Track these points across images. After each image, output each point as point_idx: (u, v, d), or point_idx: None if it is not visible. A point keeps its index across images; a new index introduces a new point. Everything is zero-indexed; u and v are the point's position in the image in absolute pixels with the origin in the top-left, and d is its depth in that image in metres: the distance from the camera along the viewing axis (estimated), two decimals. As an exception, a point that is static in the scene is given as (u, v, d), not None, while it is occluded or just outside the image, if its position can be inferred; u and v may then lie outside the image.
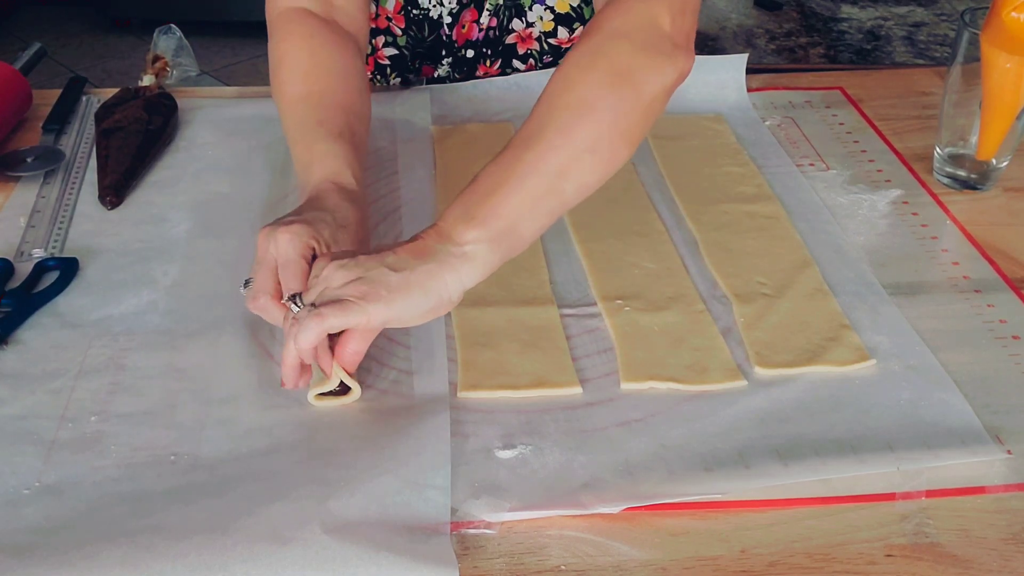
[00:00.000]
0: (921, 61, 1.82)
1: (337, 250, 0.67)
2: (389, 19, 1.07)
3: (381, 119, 1.02)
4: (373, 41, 1.10)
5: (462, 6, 1.04)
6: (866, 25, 1.94)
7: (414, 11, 1.06)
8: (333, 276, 0.62)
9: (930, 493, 0.63)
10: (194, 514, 0.59)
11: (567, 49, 1.07)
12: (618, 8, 0.71)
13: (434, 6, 1.04)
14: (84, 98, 1.06)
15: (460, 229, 0.64)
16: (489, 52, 1.07)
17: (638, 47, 0.69)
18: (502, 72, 1.09)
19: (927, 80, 1.13)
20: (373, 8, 1.07)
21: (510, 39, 1.06)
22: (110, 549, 0.56)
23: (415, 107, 1.04)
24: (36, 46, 1.08)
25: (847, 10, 2.00)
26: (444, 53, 1.08)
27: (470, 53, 1.07)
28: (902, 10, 2.00)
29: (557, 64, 0.96)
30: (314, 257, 0.67)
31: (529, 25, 1.05)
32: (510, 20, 1.05)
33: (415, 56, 1.10)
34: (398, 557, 0.56)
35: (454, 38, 1.07)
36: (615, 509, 0.61)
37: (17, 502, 0.60)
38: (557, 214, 0.68)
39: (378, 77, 1.12)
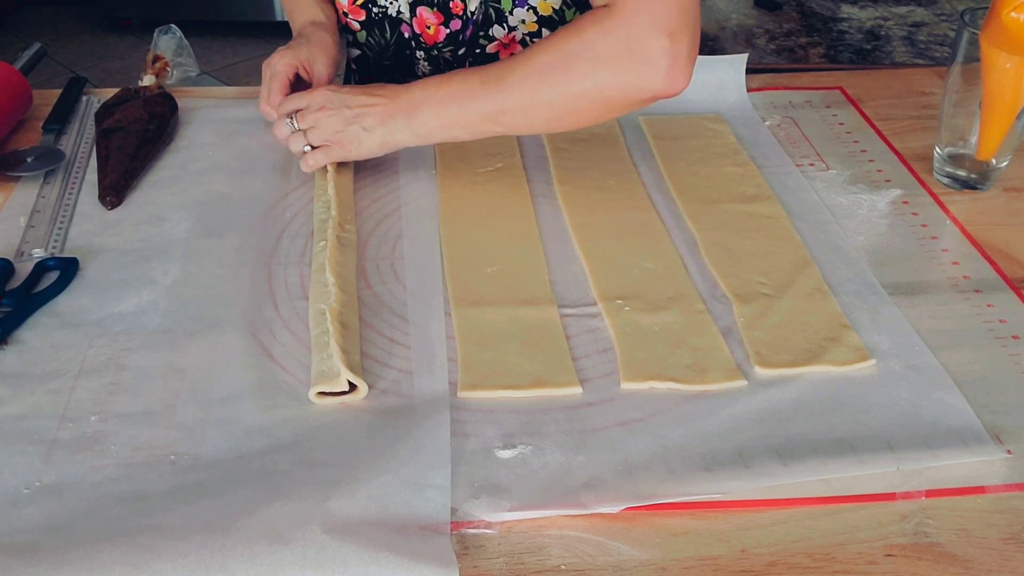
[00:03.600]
0: (921, 61, 1.82)
1: (328, 87, 0.91)
2: (347, 14, 1.07)
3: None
4: None
5: (419, 2, 1.04)
6: (866, 25, 1.94)
7: (374, 9, 1.06)
8: (326, 122, 0.88)
9: (930, 493, 0.63)
10: (194, 514, 0.59)
11: None
12: (601, 17, 0.79)
13: (391, 2, 1.05)
14: (84, 98, 1.06)
15: (413, 115, 0.86)
16: (470, 60, 1.07)
17: (601, 57, 0.79)
18: None
19: (927, 80, 1.13)
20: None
21: (491, 47, 1.06)
22: (110, 549, 0.56)
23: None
24: (36, 46, 1.08)
25: (847, 10, 2.00)
26: (417, 56, 1.08)
27: (448, 54, 1.07)
28: (902, 10, 2.00)
29: None
30: (297, 77, 0.97)
31: (511, 30, 1.05)
32: (489, 27, 1.05)
33: (383, 68, 1.10)
34: (398, 557, 0.56)
35: (423, 41, 1.06)
36: (615, 509, 0.61)
37: (17, 502, 0.60)
38: (491, 134, 0.87)
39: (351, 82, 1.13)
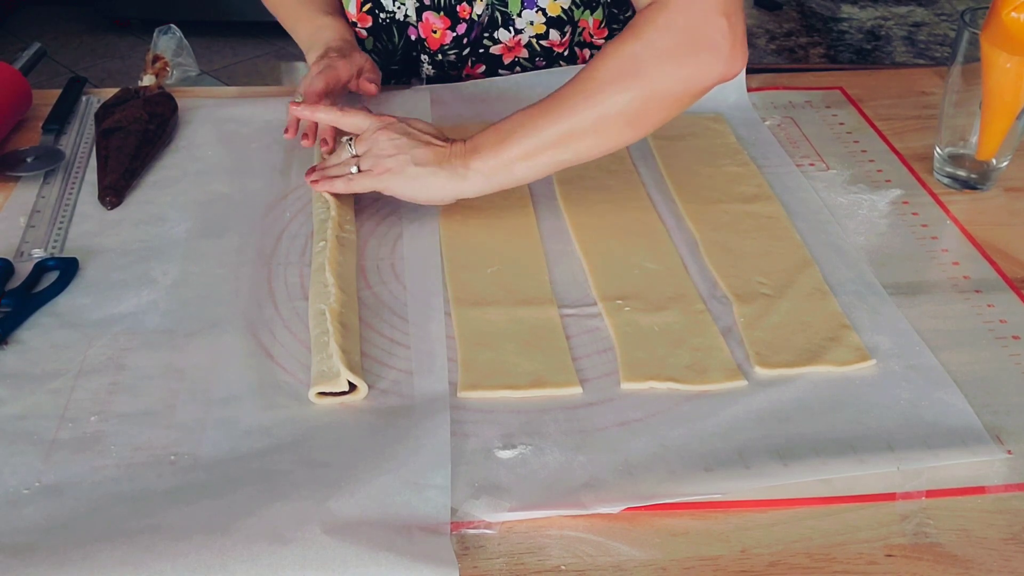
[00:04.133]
0: (921, 61, 1.82)
1: (394, 118, 0.86)
2: (354, 23, 1.07)
3: (381, 119, 1.02)
4: None
5: (424, 7, 1.04)
6: (866, 25, 1.94)
7: (382, 15, 1.06)
8: (380, 143, 0.83)
9: (930, 493, 0.63)
10: (194, 514, 0.59)
11: (559, 53, 1.07)
12: (647, 18, 0.78)
13: (398, 7, 1.05)
14: (84, 98, 1.06)
15: (472, 155, 0.80)
16: (473, 59, 1.07)
17: (665, 52, 0.77)
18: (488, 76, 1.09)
19: (927, 80, 1.13)
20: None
21: (496, 49, 1.06)
22: (110, 549, 0.56)
23: (415, 107, 1.04)
24: (36, 46, 1.08)
25: (847, 10, 2.00)
26: (422, 59, 1.08)
27: (452, 56, 1.07)
28: (902, 10, 2.00)
29: (549, 67, 1.07)
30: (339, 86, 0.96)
31: (518, 32, 1.05)
32: (495, 29, 1.05)
33: (389, 72, 1.10)
34: (398, 557, 0.56)
35: (427, 45, 1.07)
36: (615, 509, 0.61)
37: (17, 502, 0.60)
38: (554, 168, 0.81)
39: None
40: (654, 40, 0.77)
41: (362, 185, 0.83)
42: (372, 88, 0.97)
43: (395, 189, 0.82)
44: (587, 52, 1.08)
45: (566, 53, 1.07)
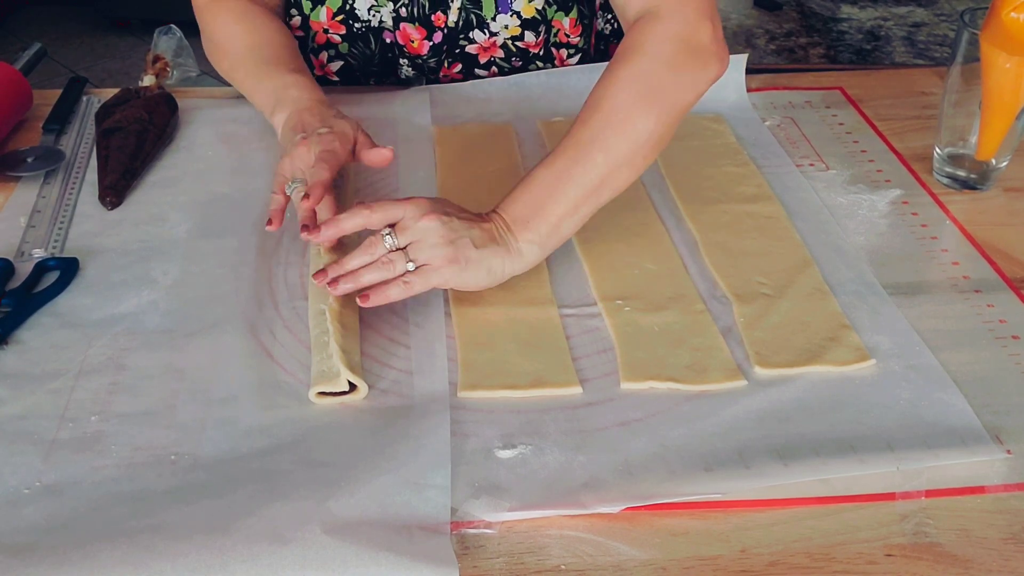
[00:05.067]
0: (921, 61, 1.82)
1: (425, 199, 0.75)
2: (327, 31, 1.06)
3: (381, 119, 1.02)
4: (316, 58, 1.09)
5: (401, 18, 1.03)
6: (866, 25, 1.94)
7: (356, 24, 1.05)
8: (431, 231, 0.72)
9: (930, 493, 0.63)
10: (194, 514, 0.59)
11: (535, 54, 1.07)
12: (646, 30, 0.78)
13: (373, 15, 1.04)
14: (84, 98, 1.06)
15: (519, 228, 0.74)
16: (448, 61, 1.07)
17: (673, 63, 0.77)
18: (465, 77, 1.09)
19: (927, 80, 1.13)
20: (298, 22, 1.07)
21: (471, 49, 1.06)
22: (110, 549, 0.56)
23: (415, 107, 1.04)
24: (36, 46, 1.08)
25: (847, 10, 2.00)
26: (401, 62, 1.08)
27: (432, 62, 1.07)
28: (902, 10, 2.00)
29: (527, 68, 1.07)
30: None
31: (492, 35, 1.05)
32: (469, 31, 1.05)
33: (368, 73, 1.09)
34: (398, 557, 0.56)
35: (408, 51, 1.06)
36: (615, 509, 0.61)
37: (17, 502, 0.60)
38: (592, 213, 0.78)
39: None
40: (659, 53, 0.77)
41: (424, 284, 0.72)
42: (386, 154, 0.83)
43: (459, 281, 0.73)
44: (563, 52, 1.08)
45: (542, 53, 1.07)
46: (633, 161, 0.76)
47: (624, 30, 0.83)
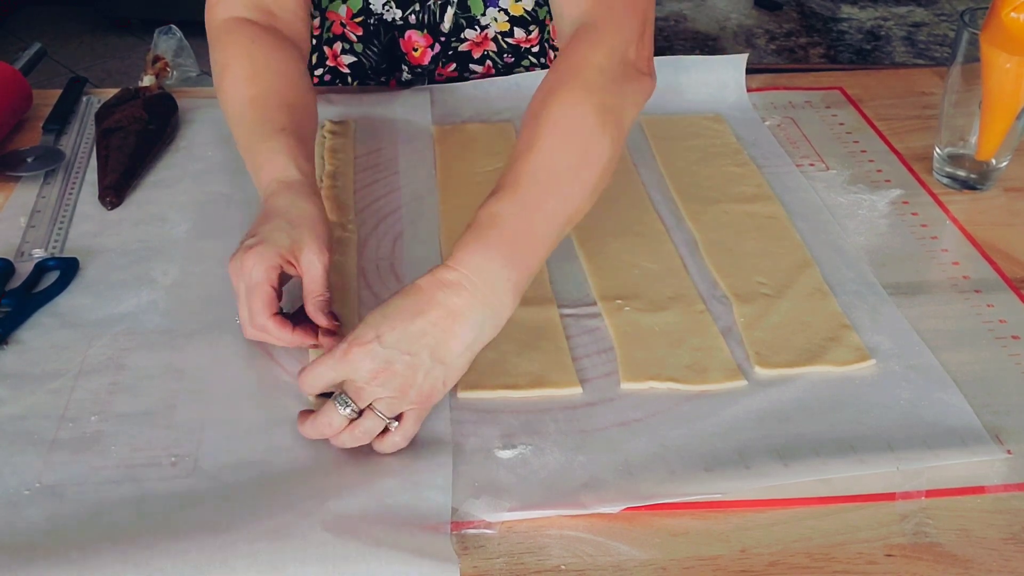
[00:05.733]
0: (921, 61, 1.82)
1: (359, 336, 0.62)
2: (343, 25, 1.07)
3: (381, 119, 1.02)
4: (331, 48, 1.10)
5: (409, 25, 1.03)
6: (866, 25, 1.94)
7: (371, 20, 1.05)
8: (381, 383, 0.61)
9: (930, 493, 0.63)
10: (194, 514, 0.59)
11: (527, 49, 1.07)
12: (589, 43, 0.73)
13: (386, 10, 1.04)
14: (84, 98, 1.06)
15: (493, 288, 0.63)
16: (443, 61, 1.07)
17: (616, 81, 0.71)
18: (460, 75, 1.09)
19: (927, 80, 1.13)
20: (316, 20, 1.07)
21: (464, 47, 1.06)
22: (110, 549, 0.56)
23: (415, 107, 1.04)
24: (36, 46, 1.08)
25: (847, 10, 2.00)
26: (403, 66, 1.08)
27: (430, 66, 1.08)
28: (902, 10, 2.00)
29: (520, 63, 1.05)
30: (282, 276, 0.69)
31: (484, 28, 1.05)
32: (460, 32, 1.05)
33: (377, 71, 1.10)
34: (398, 553, 0.56)
35: (409, 60, 1.07)
36: (615, 509, 0.61)
37: (17, 502, 0.60)
38: (558, 242, 0.68)
39: (337, 82, 1.12)
40: (605, 69, 0.71)
41: (418, 423, 0.63)
42: (316, 276, 0.70)
43: (448, 388, 0.64)
44: (553, 53, 1.09)
45: (535, 49, 1.08)
46: (598, 188, 0.69)
47: (559, 43, 0.78)
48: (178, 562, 0.55)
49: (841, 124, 1.04)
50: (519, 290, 0.64)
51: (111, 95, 1.03)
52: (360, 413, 0.62)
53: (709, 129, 1.02)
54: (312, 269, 0.69)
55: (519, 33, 1.05)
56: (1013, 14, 0.82)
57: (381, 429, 0.62)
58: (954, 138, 0.93)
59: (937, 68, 1.17)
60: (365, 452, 0.64)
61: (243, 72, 0.83)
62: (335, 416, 0.62)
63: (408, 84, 1.09)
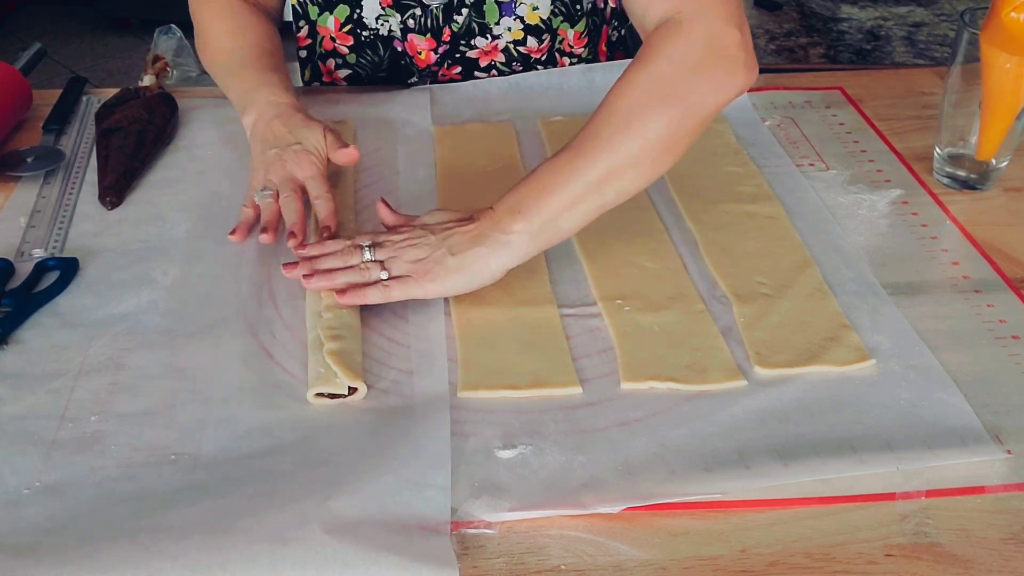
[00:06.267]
0: (921, 61, 1.82)
1: (410, 218, 0.79)
2: (334, 39, 1.06)
3: (381, 119, 1.02)
4: (324, 64, 1.09)
5: (408, 29, 1.03)
6: (866, 25, 1.94)
7: (364, 33, 1.05)
8: (405, 247, 0.74)
9: (930, 493, 0.63)
10: (194, 514, 0.59)
11: (536, 59, 1.07)
12: (664, 34, 0.76)
13: (381, 24, 1.04)
14: (84, 98, 1.06)
15: (508, 219, 0.73)
16: (449, 63, 1.07)
17: (692, 67, 0.74)
18: (464, 79, 1.09)
19: (927, 80, 1.13)
20: (305, 31, 1.07)
21: (472, 54, 1.06)
22: (110, 549, 0.56)
23: (415, 107, 1.04)
24: (36, 46, 1.08)
25: (847, 10, 2.00)
26: (408, 73, 1.08)
27: (434, 69, 1.08)
28: (902, 10, 2.00)
29: (526, 72, 1.06)
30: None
31: (495, 38, 1.05)
32: (472, 38, 1.05)
33: (376, 80, 1.09)
34: (398, 557, 0.56)
35: (415, 62, 1.07)
36: (615, 509, 0.61)
37: (17, 502, 0.60)
38: (596, 213, 0.76)
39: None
40: (678, 58, 0.74)
41: (402, 293, 0.74)
42: (352, 153, 0.87)
43: (439, 289, 0.74)
44: (566, 60, 1.08)
45: (544, 59, 1.07)
46: (640, 162, 0.74)
47: (643, 39, 0.81)
48: (177, 564, 0.55)
49: (841, 124, 1.04)
50: (535, 234, 0.73)
51: (111, 95, 1.03)
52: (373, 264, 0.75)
53: (709, 129, 1.00)
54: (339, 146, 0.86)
55: (531, 42, 1.05)
56: (1013, 14, 0.82)
57: (374, 280, 0.74)
58: (954, 138, 0.93)
59: (937, 68, 1.17)
60: (365, 452, 0.64)
61: (226, 28, 0.97)
62: (356, 255, 0.75)
63: (410, 85, 1.09)
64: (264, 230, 0.81)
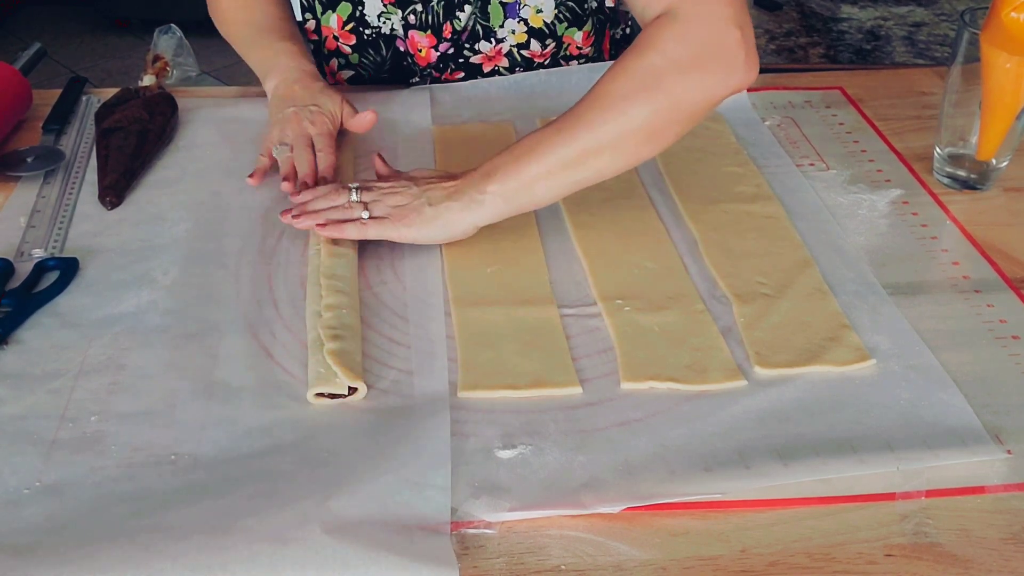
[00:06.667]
0: (921, 61, 1.82)
1: (400, 173, 0.86)
2: (337, 39, 1.07)
3: (381, 119, 1.01)
4: (328, 65, 1.10)
5: (410, 26, 1.03)
6: (866, 25, 1.94)
7: (366, 31, 1.05)
8: (389, 192, 0.81)
9: (930, 493, 0.63)
10: (194, 514, 0.59)
11: (540, 63, 1.07)
12: (666, 27, 0.76)
13: (383, 22, 1.04)
14: (84, 98, 1.06)
15: (484, 181, 0.78)
16: (452, 66, 1.07)
17: (681, 62, 0.75)
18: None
19: (927, 80, 1.13)
20: (312, 24, 1.07)
21: (476, 59, 1.06)
22: (110, 549, 0.56)
23: (415, 107, 1.04)
24: (36, 46, 1.08)
25: (847, 10, 2.00)
26: (410, 73, 1.08)
27: (436, 72, 1.08)
28: (902, 10, 2.00)
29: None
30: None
31: (499, 42, 1.05)
32: (476, 42, 1.05)
33: (379, 80, 1.09)
34: (398, 557, 0.56)
35: (416, 61, 1.07)
36: (615, 509, 0.61)
37: (17, 502, 0.60)
38: (574, 187, 0.79)
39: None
40: (671, 51, 0.75)
41: (377, 232, 0.79)
42: (370, 116, 0.94)
43: (412, 235, 0.79)
44: (572, 64, 1.08)
45: (547, 63, 1.07)
46: (618, 146, 0.76)
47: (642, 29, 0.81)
48: (177, 564, 0.55)
49: (841, 124, 1.04)
50: (508, 196, 0.78)
51: (111, 95, 1.03)
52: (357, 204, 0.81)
53: (709, 129, 1.02)
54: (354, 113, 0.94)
55: (535, 46, 1.05)
56: (1013, 14, 0.82)
57: (355, 217, 0.80)
58: (954, 138, 0.93)
59: (937, 68, 1.17)
60: (365, 452, 0.64)
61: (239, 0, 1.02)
62: (343, 195, 0.81)
63: (411, 86, 1.09)
64: (284, 179, 0.88)
